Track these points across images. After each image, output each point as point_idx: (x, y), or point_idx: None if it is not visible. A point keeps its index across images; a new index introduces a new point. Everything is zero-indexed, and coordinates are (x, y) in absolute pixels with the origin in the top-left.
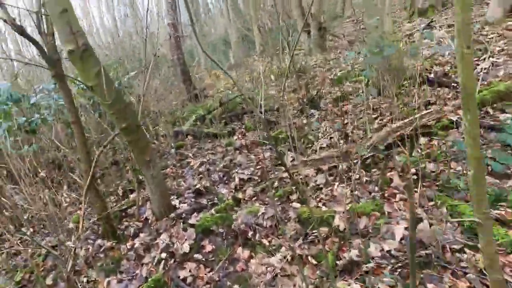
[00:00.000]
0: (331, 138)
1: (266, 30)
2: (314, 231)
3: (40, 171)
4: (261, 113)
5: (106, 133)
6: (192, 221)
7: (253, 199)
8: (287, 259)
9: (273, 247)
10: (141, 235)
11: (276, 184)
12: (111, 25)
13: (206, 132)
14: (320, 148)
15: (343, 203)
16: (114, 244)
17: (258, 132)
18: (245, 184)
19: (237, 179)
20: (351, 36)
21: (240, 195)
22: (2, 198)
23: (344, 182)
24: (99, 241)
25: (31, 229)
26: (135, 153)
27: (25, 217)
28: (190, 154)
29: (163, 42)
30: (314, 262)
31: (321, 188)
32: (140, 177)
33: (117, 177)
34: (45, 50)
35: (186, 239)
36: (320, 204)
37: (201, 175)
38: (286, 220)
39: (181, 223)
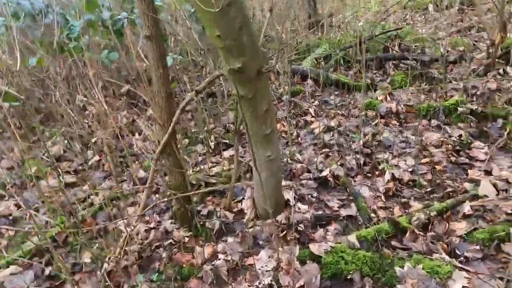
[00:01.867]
0: None
1: None
2: None
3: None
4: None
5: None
6: (314, 248)
7: (429, 232)
8: None
9: None
10: (229, 239)
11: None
12: None
13: (334, 78)
14: None
15: None
16: (187, 237)
17: (413, 91)
18: (403, 188)
19: (388, 175)
20: None
21: (403, 220)
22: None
23: None
24: (167, 224)
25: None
26: (247, 118)
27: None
28: (311, 110)
29: None
30: None
31: None
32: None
33: (209, 118)
34: None
35: (302, 281)
36: None
37: (328, 151)
38: None
39: (296, 240)
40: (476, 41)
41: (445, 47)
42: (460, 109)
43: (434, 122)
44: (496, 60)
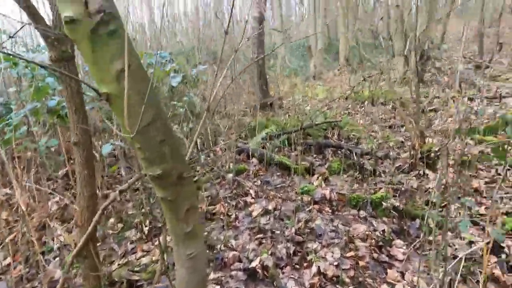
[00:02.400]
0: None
1: (356, 43)
2: None
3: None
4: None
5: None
6: None
7: None
8: None
9: None
10: None
11: None
12: (193, 11)
13: (277, 160)
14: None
15: None
16: None
17: (346, 179)
18: (327, 283)
19: (314, 268)
20: (463, 75)
21: None
22: None
23: None
24: None
25: None
26: (167, 219)
27: None
28: (252, 192)
29: (246, 37)
30: None
31: None
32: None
33: (147, 199)
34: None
35: None
36: None
37: (262, 237)
38: None
39: None
40: (405, 138)
41: (378, 140)
42: (384, 204)
43: (362, 213)
44: (418, 161)
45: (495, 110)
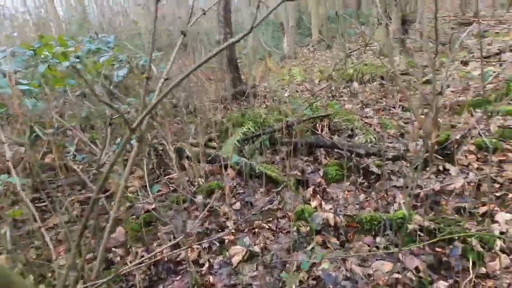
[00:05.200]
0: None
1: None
2: None
3: None
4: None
5: None
6: None
7: None
8: None
9: None
10: None
11: None
12: None
13: (259, 170)
14: None
15: None
16: None
17: (349, 187)
18: None
19: None
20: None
21: None
22: None
23: None
24: None
25: None
26: None
27: None
28: (229, 224)
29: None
30: None
31: None
32: None
33: None
34: None
35: None
36: None
37: None
38: None
39: None
40: (405, 122)
41: (375, 129)
42: (410, 226)
43: (380, 240)
44: (433, 154)
45: (496, 70)
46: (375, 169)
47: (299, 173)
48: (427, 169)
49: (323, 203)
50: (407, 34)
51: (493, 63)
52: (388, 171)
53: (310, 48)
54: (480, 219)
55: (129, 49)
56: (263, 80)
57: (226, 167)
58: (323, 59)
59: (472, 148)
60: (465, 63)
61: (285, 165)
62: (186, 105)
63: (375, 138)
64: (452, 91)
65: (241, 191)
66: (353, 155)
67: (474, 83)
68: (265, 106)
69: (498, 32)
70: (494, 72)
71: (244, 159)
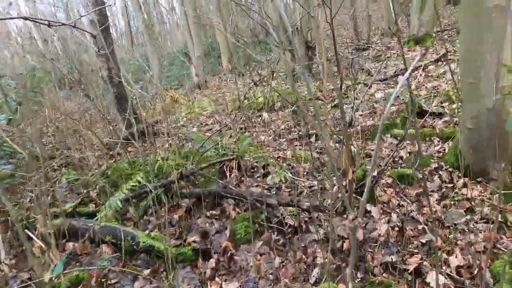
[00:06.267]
0: None
1: (241, 41)
2: None
3: None
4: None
5: None
6: None
7: None
8: None
9: None
10: None
11: None
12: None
13: (143, 244)
14: None
15: None
16: None
17: (261, 249)
18: None
19: None
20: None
21: None
22: None
23: None
24: None
25: None
26: None
27: None
28: None
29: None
30: None
31: None
32: None
33: None
34: None
35: None
36: None
37: None
38: None
39: None
40: (320, 152)
41: (290, 164)
42: None
43: None
44: (352, 194)
45: (396, 92)
46: (290, 221)
47: (197, 239)
48: (347, 213)
49: (223, 286)
50: (312, 60)
51: (392, 85)
52: (305, 219)
53: (222, 77)
54: (410, 278)
55: None
56: (169, 114)
57: (101, 241)
58: (236, 88)
59: (390, 180)
60: (366, 85)
61: (182, 227)
62: (51, 157)
63: (289, 177)
64: (361, 115)
65: (115, 280)
66: (263, 206)
67: (380, 106)
68: (168, 146)
69: (389, 56)
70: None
71: (127, 228)
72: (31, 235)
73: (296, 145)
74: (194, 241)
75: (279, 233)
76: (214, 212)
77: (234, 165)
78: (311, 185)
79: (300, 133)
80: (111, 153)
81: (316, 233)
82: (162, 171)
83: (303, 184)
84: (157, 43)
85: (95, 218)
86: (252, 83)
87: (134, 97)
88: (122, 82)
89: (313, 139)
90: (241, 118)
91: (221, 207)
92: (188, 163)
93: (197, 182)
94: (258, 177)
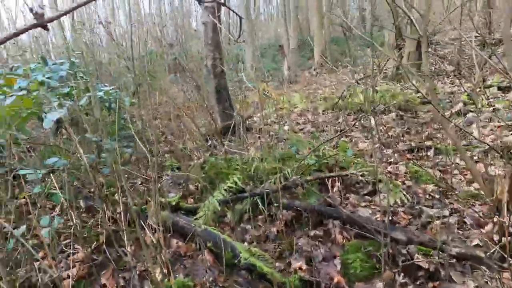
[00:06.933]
0: None
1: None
2: None
3: None
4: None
5: None
6: None
7: None
8: None
9: None
10: None
11: None
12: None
13: (245, 261)
14: None
15: None
16: None
17: None
18: None
19: None
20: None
21: None
22: None
23: None
24: None
25: None
26: None
27: None
28: None
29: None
30: None
31: None
32: None
33: None
34: None
35: None
36: None
37: None
38: None
39: None
40: (441, 170)
41: (405, 184)
42: None
43: None
44: None
45: None
46: (423, 264)
47: (303, 267)
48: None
49: None
50: (426, 58)
51: None
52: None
53: (312, 72)
54: None
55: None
56: (262, 109)
57: (200, 245)
58: (326, 84)
59: None
60: (502, 90)
61: (283, 245)
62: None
63: (408, 199)
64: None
65: None
66: (385, 238)
67: None
68: (259, 144)
69: None
70: None
71: (226, 236)
72: (144, 225)
73: (410, 159)
74: (300, 268)
75: (405, 275)
76: (317, 232)
77: (336, 179)
78: (442, 214)
79: (412, 143)
80: (208, 144)
81: (463, 284)
82: (257, 174)
83: (430, 213)
84: (255, 35)
85: (194, 218)
86: (353, 80)
87: (232, 88)
88: (225, 72)
89: (430, 153)
90: (337, 119)
91: (324, 228)
92: (286, 169)
93: (295, 193)
94: (365, 194)
